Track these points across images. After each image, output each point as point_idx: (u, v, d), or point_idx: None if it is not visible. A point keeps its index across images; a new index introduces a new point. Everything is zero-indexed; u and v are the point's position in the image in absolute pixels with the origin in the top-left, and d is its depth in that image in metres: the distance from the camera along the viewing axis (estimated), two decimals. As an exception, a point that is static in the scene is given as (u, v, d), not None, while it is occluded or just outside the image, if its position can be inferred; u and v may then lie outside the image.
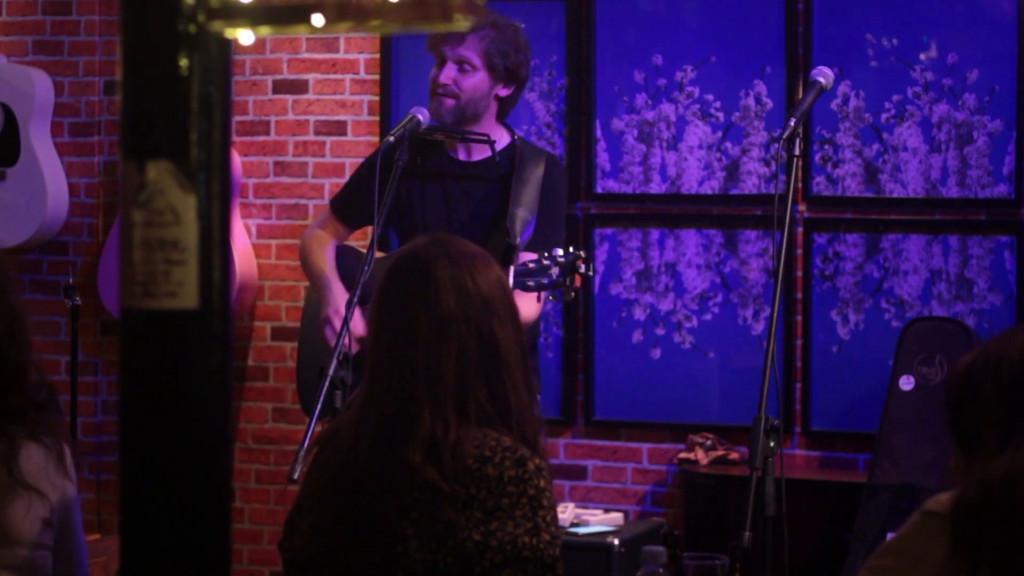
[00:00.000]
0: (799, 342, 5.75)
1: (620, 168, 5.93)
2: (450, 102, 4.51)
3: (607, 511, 5.63)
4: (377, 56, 6.17)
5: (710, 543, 4.53)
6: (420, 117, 4.42)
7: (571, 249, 4.15)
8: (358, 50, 6.21)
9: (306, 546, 2.82)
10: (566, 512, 5.44)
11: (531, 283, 4.15)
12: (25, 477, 2.86)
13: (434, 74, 4.55)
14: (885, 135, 5.69)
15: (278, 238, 6.29)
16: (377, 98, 6.18)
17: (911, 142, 5.67)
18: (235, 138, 6.28)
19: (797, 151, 3.90)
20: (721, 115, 5.84)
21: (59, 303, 6.16)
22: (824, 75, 4.10)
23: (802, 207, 5.75)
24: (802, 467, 5.72)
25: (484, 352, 2.77)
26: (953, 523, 2.44)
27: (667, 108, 5.89)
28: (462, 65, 4.50)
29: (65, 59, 6.44)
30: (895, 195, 5.69)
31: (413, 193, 4.58)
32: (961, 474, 2.56)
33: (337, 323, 4.33)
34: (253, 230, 6.31)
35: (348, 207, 4.71)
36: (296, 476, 3.74)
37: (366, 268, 4.17)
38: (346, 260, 4.66)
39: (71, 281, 5.93)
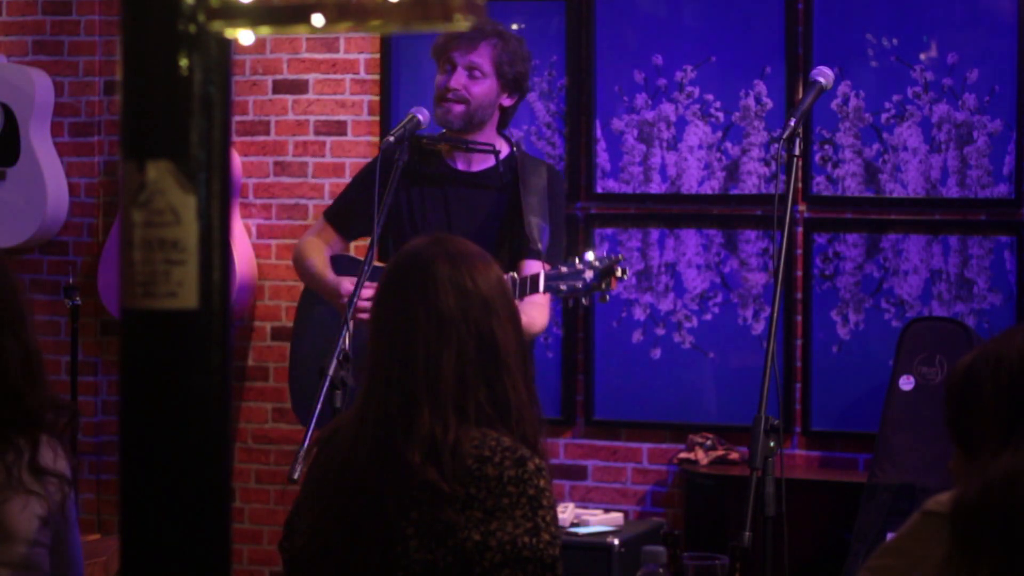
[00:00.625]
0: (799, 342, 5.75)
1: (620, 168, 5.93)
2: (459, 108, 4.50)
3: (607, 511, 5.63)
4: (377, 56, 6.17)
5: (710, 543, 4.53)
6: (420, 117, 4.42)
7: (606, 253, 4.25)
8: (358, 50, 6.21)
9: (306, 546, 2.82)
10: (566, 512, 5.44)
11: (564, 287, 4.20)
12: (26, 483, 2.86)
13: (440, 80, 4.54)
14: (885, 135, 5.69)
15: (278, 238, 6.29)
16: (377, 98, 6.18)
17: (911, 142, 5.67)
18: (235, 138, 6.28)
19: (797, 151, 3.90)
20: (721, 115, 5.84)
21: (59, 303, 6.16)
22: (824, 75, 4.10)
23: (802, 207, 5.75)
24: (802, 467, 5.72)
25: (483, 352, 2.77)
26: (953, 523, 2.44)
27: (667, 108, 5.88)
28: (472, 71, 4.50)
29: (65, 59, 6.44)
30: (895, 195, 5.69)
31: (412, 202, 4.57)
32: (961, 474, 2.56)
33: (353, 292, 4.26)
34: (253, 230, 6.31)
35: (343, 215, 4.69)
36: (296, 476, 3.74)
37: (366, 268, 4.17)
38: (343, 268, 4.64)
39: (71, 281, 5.93)
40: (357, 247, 5.18)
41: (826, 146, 5.74)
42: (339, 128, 6.23)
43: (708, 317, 5.86)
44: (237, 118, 6.26)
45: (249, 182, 6.32)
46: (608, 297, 4.26)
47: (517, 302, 4.05)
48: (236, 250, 6.16)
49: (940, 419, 2.72)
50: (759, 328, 5.79)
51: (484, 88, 4.51)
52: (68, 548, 2.95)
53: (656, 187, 5.91)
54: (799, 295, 5.75)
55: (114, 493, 6.17)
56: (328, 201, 5.97)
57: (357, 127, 6.21)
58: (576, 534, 5.34)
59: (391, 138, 4.34)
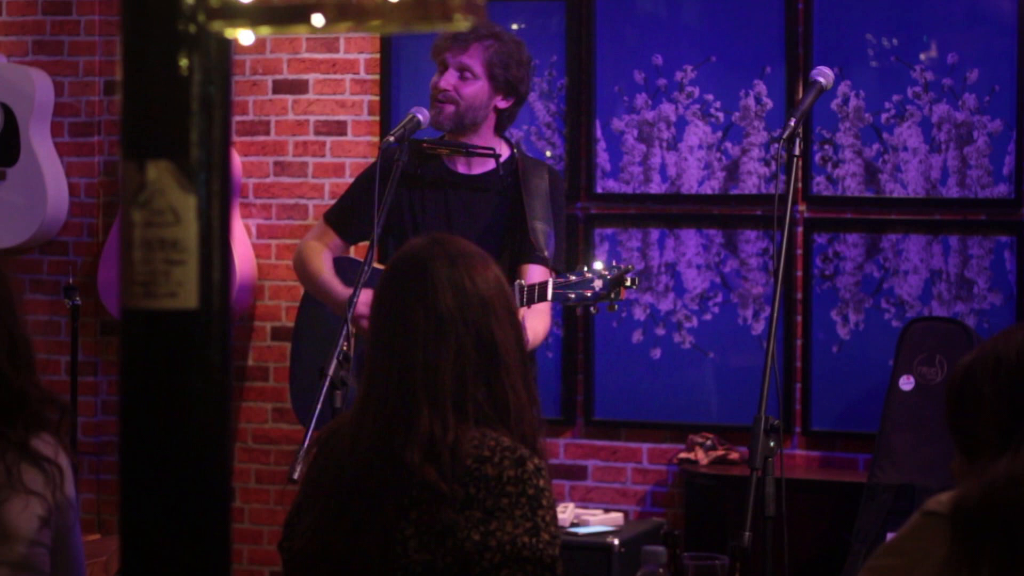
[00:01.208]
0: (799, 342, 5.75)
1: (620, 168, 5.93)
2: (449, 108, 4.51)
3: (607, 511, 5.63)
4: (377, 56, 6.17)
5: (710, 543, 4.53)
6: (420, 117, 4.42)
7: (614, 263, 4.27)
8: (358, 50, 6.21)
9: (306, 546, 2.82)
10: (566, 512, 5.44)
11: (572, 296, 4.21)
12: (26, 483, 2.86)
13: (435, 80, 4.55)
14: (885, 135, 5.69)
15: (278, 238, 6.29)
16: (377, 98, 6.18)
17: (911, 142, 5.67)
18: (235, 138, 6.28)
19: (797, 151, 3.90)
20: (721, 115, 5.84)
21: (59, 303, 6.16)
22: (824, 75, 4.10)
23: (802, 207, 5.75)
24: (802, 467, 5.72)
25: (482, 352, 2.77)
26: (954, 523, 2.44)
27: (667, 108, 5.88)
28: (463, 72, 4.51)
29: (65, 59, 6.44)
30: (895, 195, 5.69)
31: (413, 205, 4.57)
32: (962, 475, 2.56)
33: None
34: (253, 230, 6.31)
35: (343, 218, 4.69)
36: (296, 476, 3.74)
37: (366, 268, 4.17)
38: (344, 270, 4.64)
39: (71, 281, 5.93)
40: (358, 249, 5.18)
41: (826, 146, 5.74)
42: (339, 128, 6.23)
43: (708, 317, 5.86)
44: (237, 118, 6.26)
45: (249, 182, 6.32)
46: (616, 306, 4.28)
47: (522, 310, 4.07)
48: (236, 250, 6.16)
49: (940, 419, 2.72)
50: (759, 328, 5.79)
51: (474, 89, 4.51)
52: (69, 549, 2.95)
53: (656, 187, 5.91)
54: (799, 295, 5.76)
55: (114, 493, 6.16)
56: (328, 201, 5.98)
57: (357, 127, 6.21)
58: (576, 534, 5.34)
59: (391, 138, 4.34)
